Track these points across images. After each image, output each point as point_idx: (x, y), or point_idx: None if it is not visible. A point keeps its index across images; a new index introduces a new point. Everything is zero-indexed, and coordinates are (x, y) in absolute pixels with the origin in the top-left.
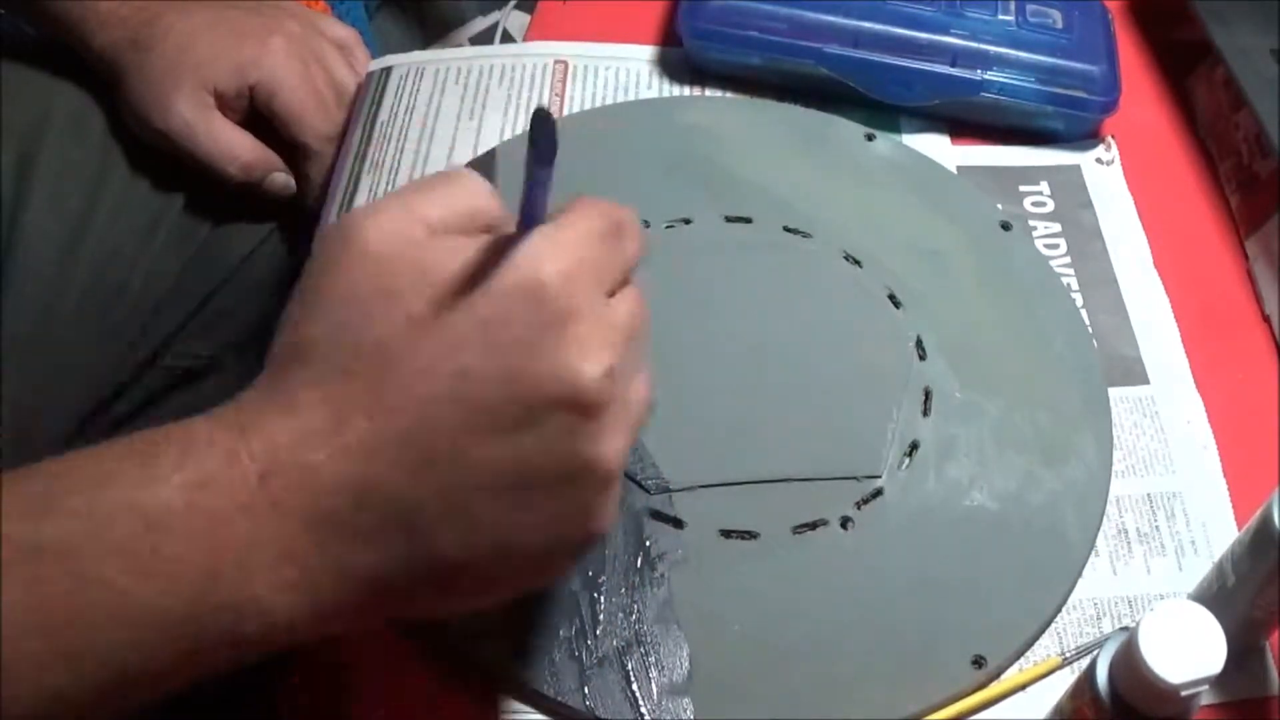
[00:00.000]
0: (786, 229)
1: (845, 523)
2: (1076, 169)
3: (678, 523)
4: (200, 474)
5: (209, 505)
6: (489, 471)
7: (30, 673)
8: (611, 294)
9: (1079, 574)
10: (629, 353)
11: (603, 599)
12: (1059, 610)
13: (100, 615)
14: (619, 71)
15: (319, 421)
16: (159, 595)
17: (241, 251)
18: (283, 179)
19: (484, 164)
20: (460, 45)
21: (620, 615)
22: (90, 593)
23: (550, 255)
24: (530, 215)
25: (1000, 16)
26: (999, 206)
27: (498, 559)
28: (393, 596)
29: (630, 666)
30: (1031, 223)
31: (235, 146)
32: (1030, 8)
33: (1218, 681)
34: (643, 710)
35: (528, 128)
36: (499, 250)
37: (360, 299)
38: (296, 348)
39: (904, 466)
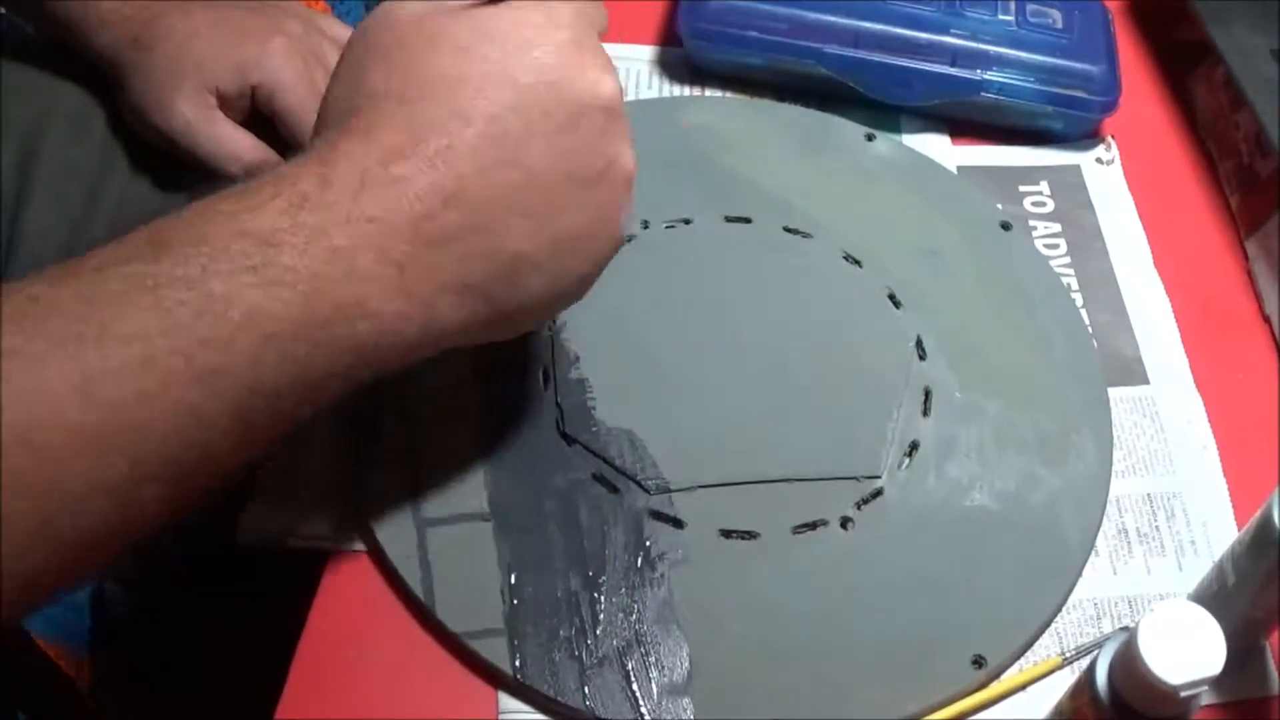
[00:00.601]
0: (786, 229)
1: (845, 523)
2: (1076, 169)
3: (678, 523)
4: (297, 196)
5: (312, 222)
6: (546, 169)
7: (169, 391)
8: None
9: (1079, 574)
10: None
11: (603, 599)
12: (1059, 610)
13: (231, 331)
14: (619, 71)
15: (400, 141)
16: (283, 304)
17: None
18: None
19: None
20: None
21: (620, 615)
22: (220, 310)
23: (560, 5)
24: None
25: (1000, 16)
26: (999, 206)
27: (555, 251)
28: (482, 304)
29: (630, 666)
30: (1031, 223)
31: (237, 146)
32: (1030, 8)
33: (1218, 681)
34: (643, 710)
35: None
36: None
37: (408, 45)
38: (357, 97)
39: (904, 466)
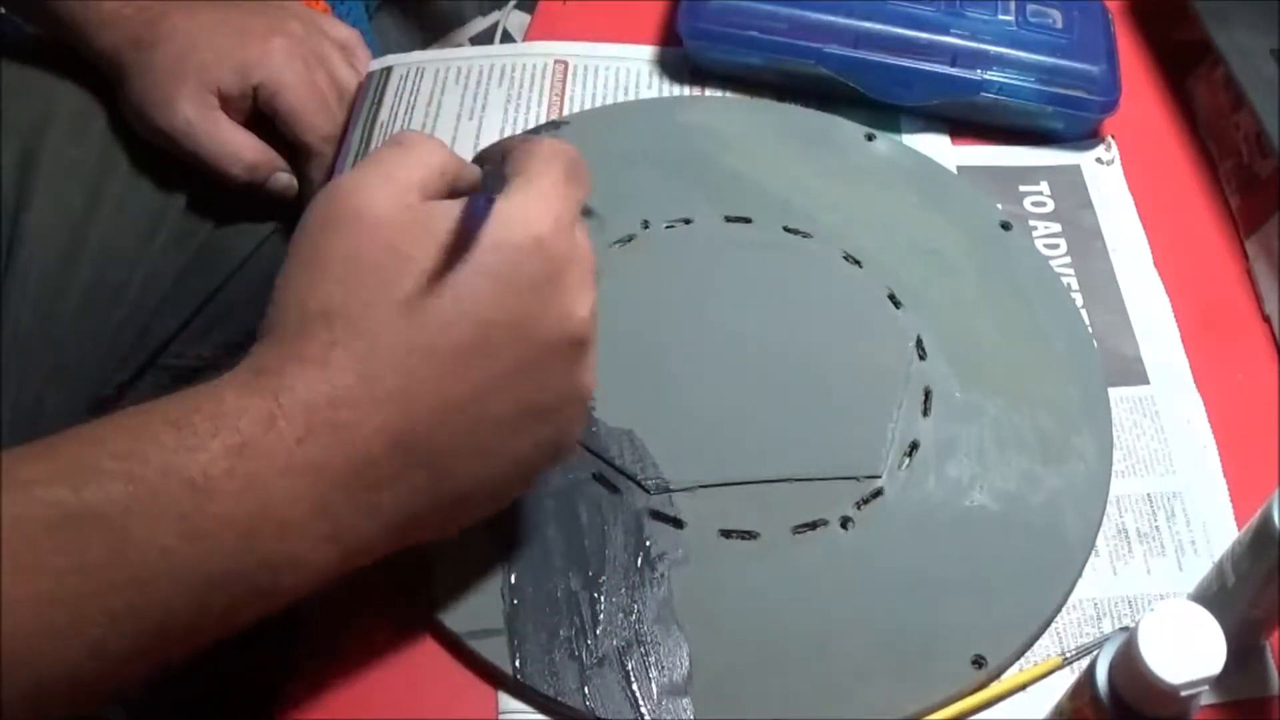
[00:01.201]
0: (786, 229)
1: (845, 523)
2: (1076, 169)
3: (678, 523)
4: (238, 439)
5: (248, 470)
6: (502, 409)
7: (72, 630)
8: None
9: (1079, 574)
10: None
11: (603, 599)
12: (1059, 610)
13: (145, 576)
14: (619, 71)
15: (352, 379)
16: (203, 557)
17: (242, 252)
18: (286, 179)
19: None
20: (460, 45)
21: (620, 615)
22: (136, 555)
23: (542, 211)
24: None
25: (1000, 16)
26: (999, 206)
27: (499, 479)
28: (410, 529)
29: (630, 666)
30: (1031, 223)
31: (239, 147)
32: (1030, 8)
33: (1218, 681)
34: (643, 710)
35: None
36: (488, 213)
37: (373, 262)
38: (311, 312)
39: (904, 466)
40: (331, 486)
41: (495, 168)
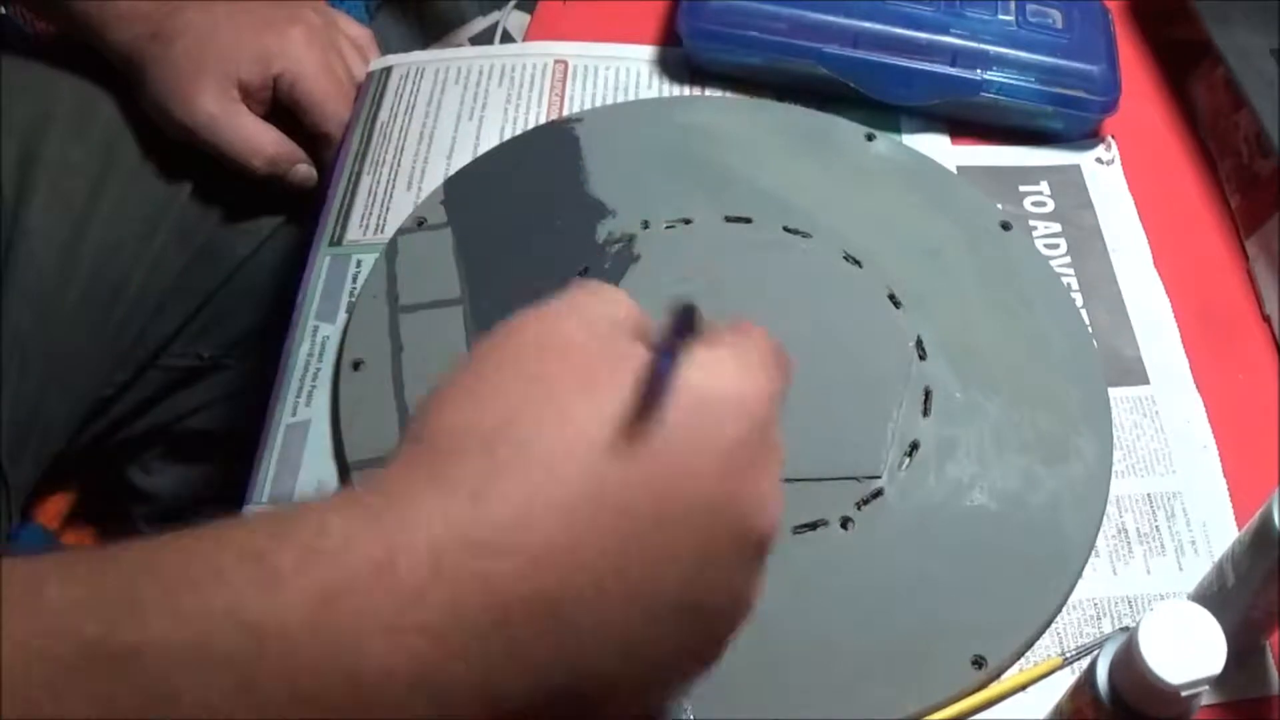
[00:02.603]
0: (786, 229)
1: (845, 523)
2: (1076, 169)
3: None
4: (333, 580)
5: (337, 623)
6: (665, 596)
7: None
8: None
9: (1079, 574)
10: None
11: None
12: (1059, 610)
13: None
14: (619, 71)
15: (504, 520)
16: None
17: (243, 252)
18: (305, 170)
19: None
20: (460, 45)
21: None
22: (172, 711)
23: (755, 380)
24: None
25: (1000, 16)
26: (999, 206)
27: (629, 687)
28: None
29: None
30: (1031, 223)
31: (260, 140)
32: (1030, 7)
33: (1218, 681)
34: None
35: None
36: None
37: (554, 389)
38: (469, 431)
39: (904, 466)
40: (450, 654)
41: (680, 324)
